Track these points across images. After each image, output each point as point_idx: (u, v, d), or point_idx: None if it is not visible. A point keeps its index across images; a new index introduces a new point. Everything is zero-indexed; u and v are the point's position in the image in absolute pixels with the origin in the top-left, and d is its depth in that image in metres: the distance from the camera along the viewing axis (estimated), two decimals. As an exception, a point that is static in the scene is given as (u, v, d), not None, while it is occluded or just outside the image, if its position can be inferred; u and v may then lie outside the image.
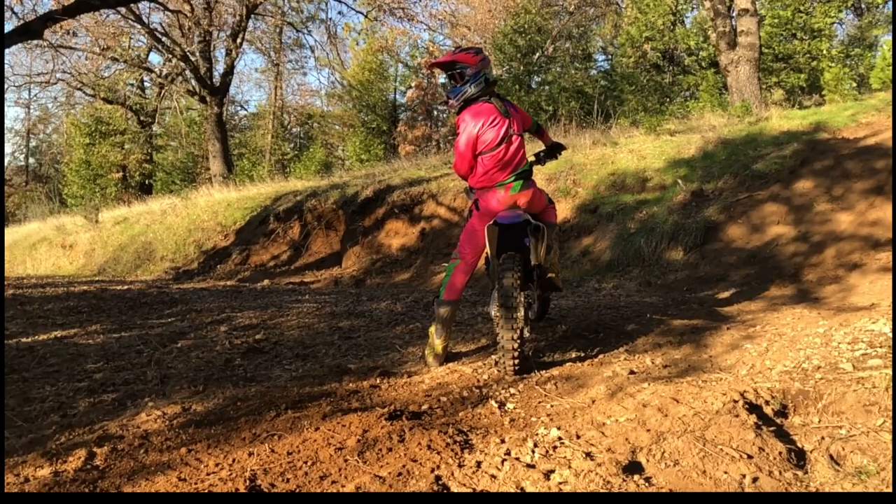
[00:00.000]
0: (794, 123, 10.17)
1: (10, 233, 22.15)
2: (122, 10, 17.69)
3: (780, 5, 22.26)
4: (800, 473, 2.38)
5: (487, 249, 4.12)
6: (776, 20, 21.93)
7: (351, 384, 3.94)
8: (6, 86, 13.20)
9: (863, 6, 26.28)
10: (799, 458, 2.50)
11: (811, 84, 20.66)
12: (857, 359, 3.41)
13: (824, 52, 21.42)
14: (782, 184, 8.24)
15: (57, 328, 6.29)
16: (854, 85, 16.93)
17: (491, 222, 4.06)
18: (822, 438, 2.62)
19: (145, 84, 31.67)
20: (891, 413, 2.68)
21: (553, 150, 4.75)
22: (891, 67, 13.10)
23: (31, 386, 4.24)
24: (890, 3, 23.72)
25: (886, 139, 8.14)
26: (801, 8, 22.19)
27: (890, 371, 3.07)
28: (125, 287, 10.23)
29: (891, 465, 2.33)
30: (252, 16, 21.52)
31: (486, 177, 4.16)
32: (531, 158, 4.49)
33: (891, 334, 3.69)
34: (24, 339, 5.71)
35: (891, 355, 3.35)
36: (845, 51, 23.17)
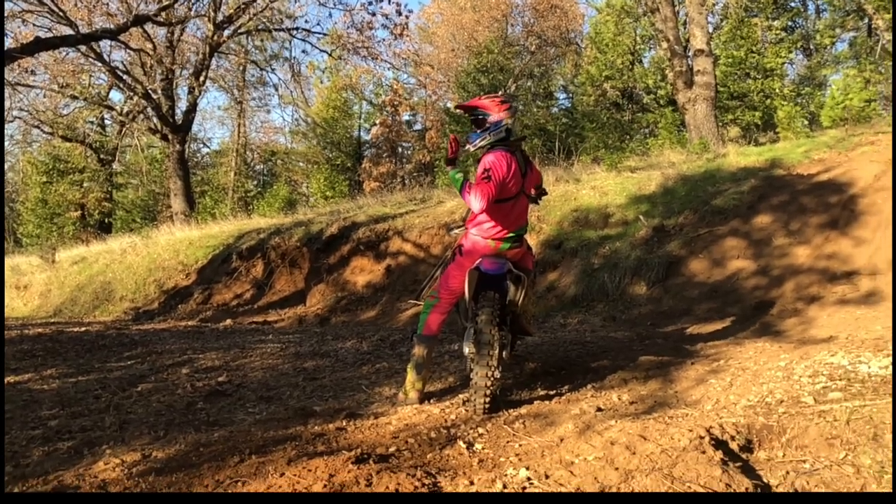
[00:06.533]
0: (751, 160, 10.44)
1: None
2: (83, 48, 17.54)
3: (733, 46, 23.06)
4: (767, 510, 2.39)
5: (466, 292, 3.96)
6: (730, 60, 22.70)
7: (316, 427, 3.87)
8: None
9: (811, 47, 27.37)
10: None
11: (766, 121, 21.31)
12: (818, 392, 3.47)
13: (777, 90, 22.18)
14: (741, 219, 8.42)
15: (10, 373, 6.07)
16: (806, 122, 17.54)
17: (473, 267, 3.94)
18: (787, 473, 2.64)
19: (106, 122, 31.35)
20: (852, 447, 2.72)
21: (538, 196, 4.65)
22: (840, 106, 13.59)
23: (-18, 435, 4.08)
24: (839, 45, 24.72)
25: (838, 175, 8.40)
26: (754, 48, 23.03)
27: (849, 404, 3.13)
28: (83, 329, 9.97)
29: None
30: (215, 54, 21.52)
31: (486, 226, 4.01)
32: None
33: (849, 367, 3.77)
34: (-25, 386, 5.50)
35: (850, 388, 3.42)
36: (796, 90, 24.05)
